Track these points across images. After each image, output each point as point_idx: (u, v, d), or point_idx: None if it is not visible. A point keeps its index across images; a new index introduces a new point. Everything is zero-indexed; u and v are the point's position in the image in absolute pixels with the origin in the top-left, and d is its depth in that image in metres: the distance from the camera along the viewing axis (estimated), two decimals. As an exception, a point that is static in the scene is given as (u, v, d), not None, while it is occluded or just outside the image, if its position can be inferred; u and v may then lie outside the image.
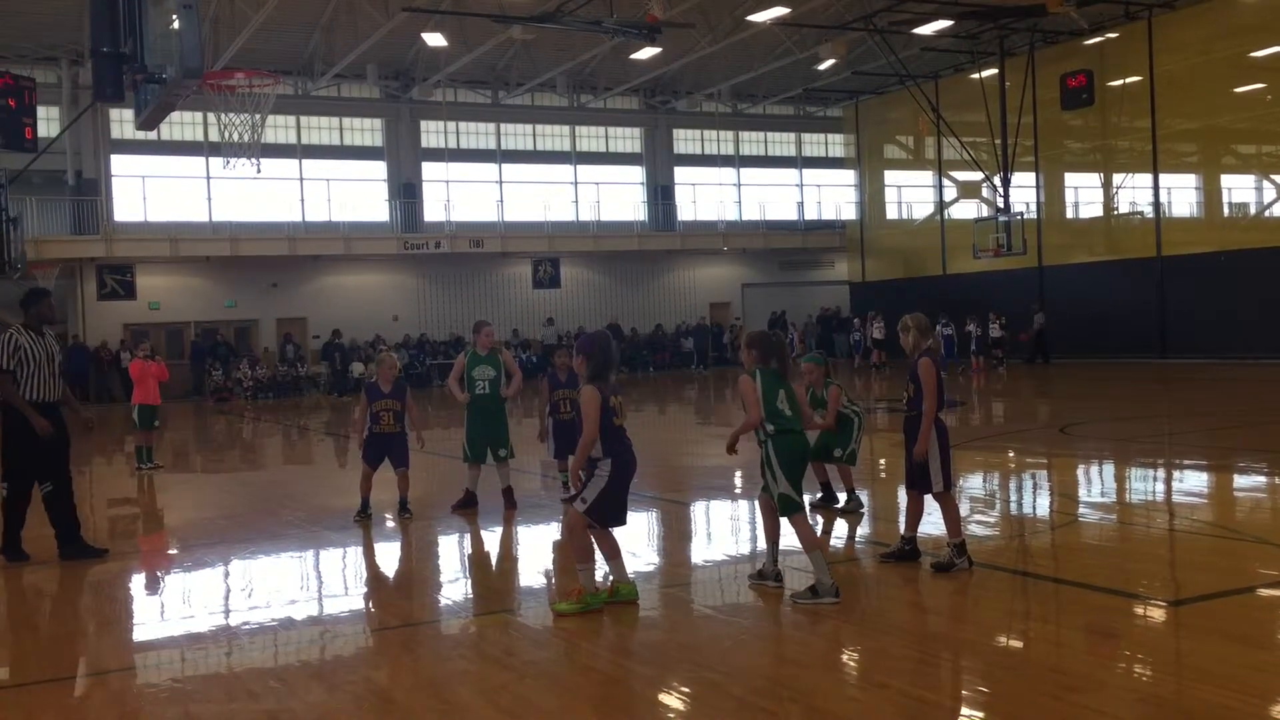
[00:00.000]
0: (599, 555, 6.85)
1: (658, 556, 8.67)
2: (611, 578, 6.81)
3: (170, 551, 9.91)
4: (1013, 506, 10.43)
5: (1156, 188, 32.04)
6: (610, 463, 6.60)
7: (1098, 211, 35.10)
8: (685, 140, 42.00)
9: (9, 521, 8.87)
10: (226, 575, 8.58)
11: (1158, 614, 6.38)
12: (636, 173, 41.19)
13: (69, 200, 32.76)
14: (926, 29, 31.29)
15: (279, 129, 35.91)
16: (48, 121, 29.36)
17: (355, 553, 9.28)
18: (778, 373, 6.79)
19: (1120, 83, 32.70)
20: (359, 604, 7.60)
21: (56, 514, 8.98)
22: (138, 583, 8.74)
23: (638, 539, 9.46)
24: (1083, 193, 36.05)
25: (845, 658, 5.78)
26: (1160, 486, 11.28)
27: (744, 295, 42.19)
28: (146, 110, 7.17)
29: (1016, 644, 5.95)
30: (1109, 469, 12.60)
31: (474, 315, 37.67)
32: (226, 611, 7.36)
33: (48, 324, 9.07)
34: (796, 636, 6.23)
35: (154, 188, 34.38)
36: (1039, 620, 6.48)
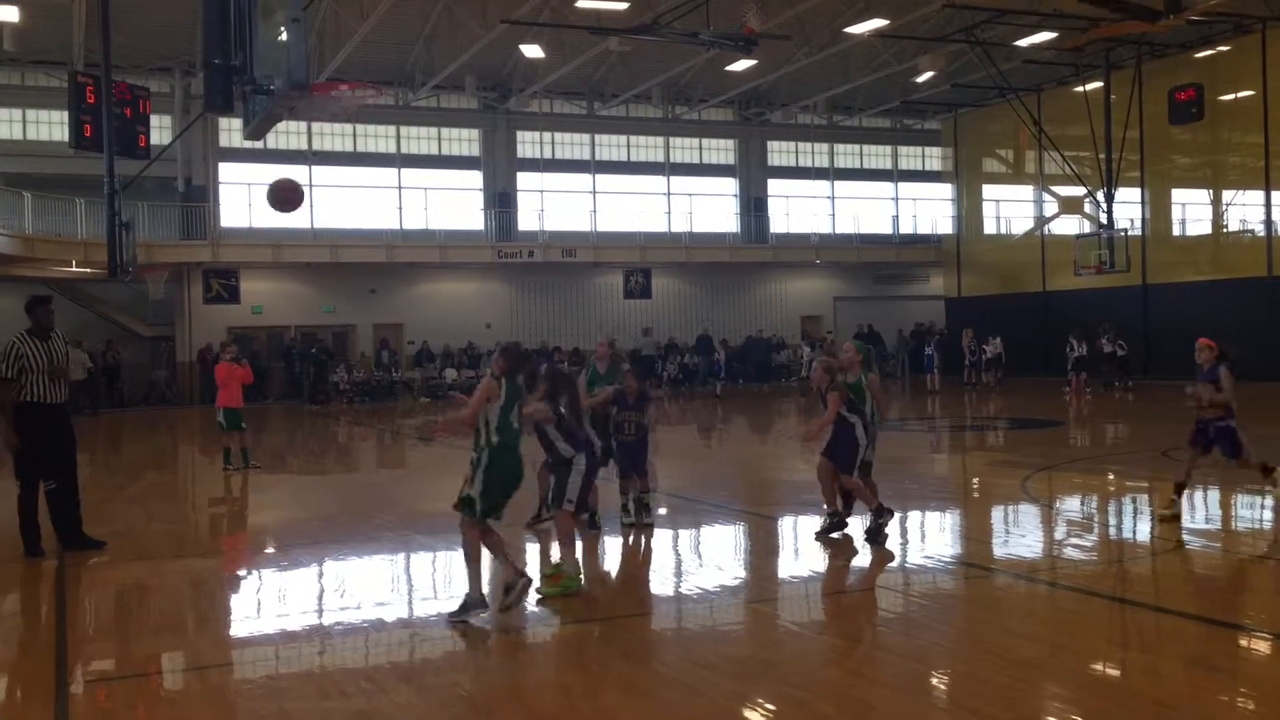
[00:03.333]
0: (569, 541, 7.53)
1: (744, 570, 8.62)
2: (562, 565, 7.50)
3: (267, 551, 10.15)
4: (1112, 531, 10.15)
5: (1269, 205, 30.98)
6: (584, 458, 7.53)
7: (1206, 229, 34.08)
8: (779, 152, 41.85)
9: (25, 519, 9.16)
10: (320, 575, 8.76)
11: (1263, 647, 6.15)
12: (730, 184, 41.16)
13: (179, 206, 33.83)
14: (1028, 40, 30.75)
15: (379, 138, 36.71)
16: (160, 130, 30.37)
17: (446, 557, 9.39)
18: (520, 387, 7.06)
19: (1231, 97, 31.73)
20: (450, 608, 7.68)
21: (57, 511, 9.27)
22: (235, 581, 8.97)
23: (725, 552, 9.44)
24: (1190, 209, 35.04)
25: (934, 681, 5.68)
26: (1268, 514, 10.88)
27: (836, 308, 41.84)
28: (254, 121, 7.38)
29: (1114, 673, 5.78)
30: (1213, 494, 12.19)
31: (565, 324, 38.02)
32: (320, 611, 7.51)
33: (48, 329, 9.26)
34: (883, 658, 6.14)
35: (259, 195, 35.29)
36: (1136, 649, 6.30)
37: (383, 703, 5.37)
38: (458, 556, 9.31)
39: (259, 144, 33.66)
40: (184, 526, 11.80)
